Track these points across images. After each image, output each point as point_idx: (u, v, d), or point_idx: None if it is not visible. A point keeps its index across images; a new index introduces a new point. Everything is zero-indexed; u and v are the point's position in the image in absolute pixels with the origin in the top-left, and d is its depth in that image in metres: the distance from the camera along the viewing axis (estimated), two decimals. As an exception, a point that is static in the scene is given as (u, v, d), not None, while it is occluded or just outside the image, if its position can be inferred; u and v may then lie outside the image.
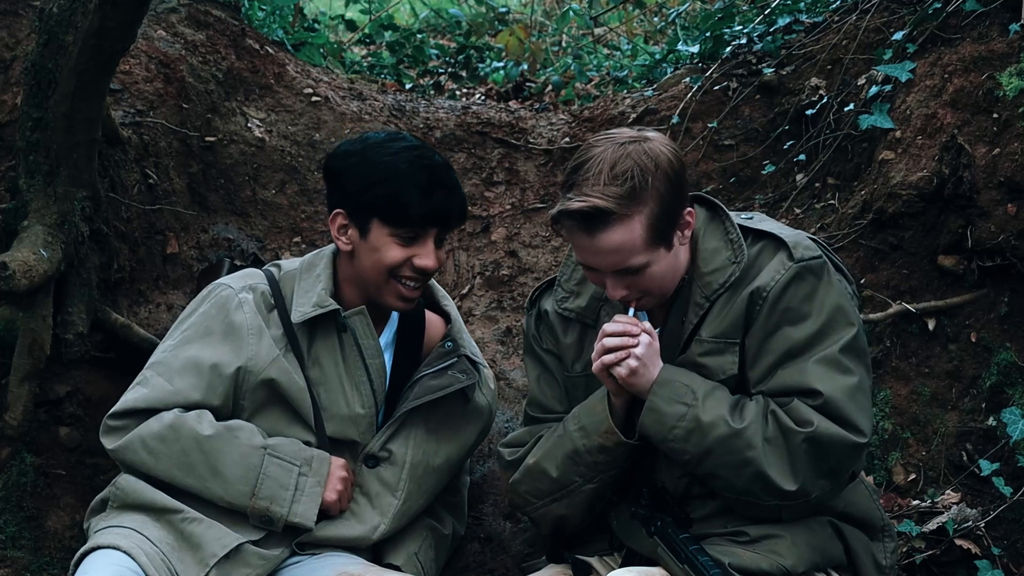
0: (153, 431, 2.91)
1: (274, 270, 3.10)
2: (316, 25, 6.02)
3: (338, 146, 3.07)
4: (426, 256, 2.92)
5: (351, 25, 6.67)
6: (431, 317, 3.18)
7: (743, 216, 2.77)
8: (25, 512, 3.44)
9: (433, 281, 3.22)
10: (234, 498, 2.90)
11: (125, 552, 2.79)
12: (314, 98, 4.53)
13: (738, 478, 2.56)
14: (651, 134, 2.63)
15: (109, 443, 2.95)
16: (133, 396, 2.96)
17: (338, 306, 2.97)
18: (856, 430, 2.55)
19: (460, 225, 3.12)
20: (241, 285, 3.02)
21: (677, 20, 6.12)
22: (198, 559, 2.84)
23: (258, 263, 4.08)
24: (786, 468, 2.53)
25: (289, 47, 5.09)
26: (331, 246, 3.07)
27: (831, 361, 2.57)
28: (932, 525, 3.26)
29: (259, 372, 2.94)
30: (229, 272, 3.31)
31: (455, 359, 3.07)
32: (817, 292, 2.60)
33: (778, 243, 2.65)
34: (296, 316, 2.97)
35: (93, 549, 2.83)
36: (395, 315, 3.11)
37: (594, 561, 2.87)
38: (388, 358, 3.09)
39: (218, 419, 2.94)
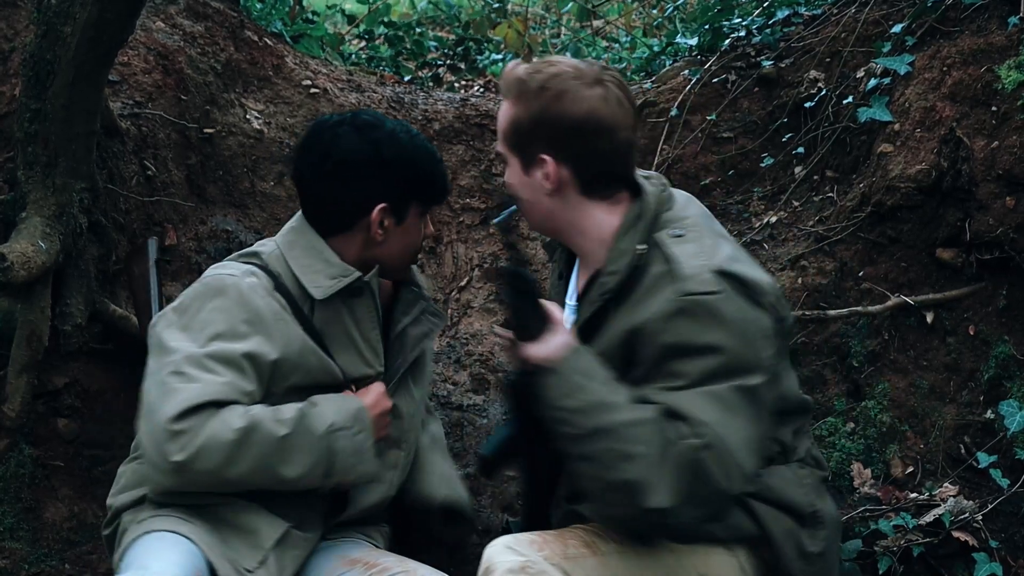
0: (228, 438, 2.70)
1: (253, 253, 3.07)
2: (315, 17, 6.02)
3: (341, 145, 2.93)
4: (429, 223, 3.02)
5: (350, 18, 6.67)
6: None
7: (674, 232, 2.57)
8: (23, 503, 3.45)
9: None
10: (307, 485, 2.84)
11: (184, 536, 2.72)
12: (312, 90, 4.52)
13: (609, 472, 2.39)
14: (612, 87, 2.56)
15: (178, 454, 2.66)
16: (186, 395, 2.70)
17: (359, 272, 2.95)
18: (732, 478, 2.39)
19: None
20: (240, 271, 2.93)
21: (676, 13, 6.12)
22: (253, 544, 2.79)
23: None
24: (666, 482, 2.36)
25: (288, 39, 5.08)
26: (293, 228, 3.02)
27: (720, 398, 2.39)
28: (929, 517, 3.27)
29: (293, 358, 2.86)
30: (155, 253, 3.25)
31: (423, 302, 3.11)
32: (707, 330, 2.40)
33: (674, 273, 2.46)
34: (320, 292, 2.91)
35: (146, 533, 2.75)
36: None
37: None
38: None
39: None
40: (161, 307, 3.12)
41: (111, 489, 2.97)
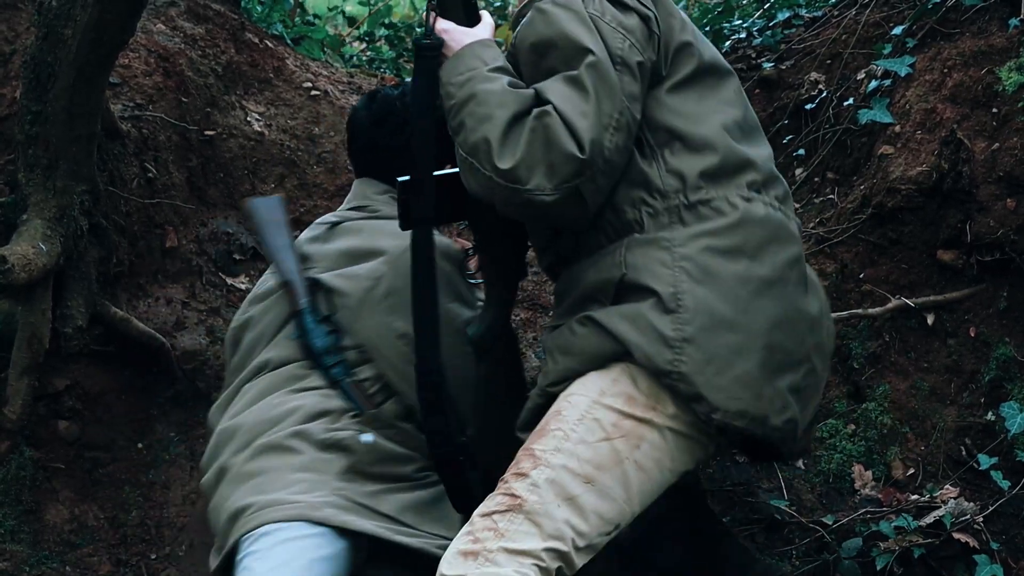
0: None
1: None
2: (315, 19, 6.02)
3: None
4: None
5: (350, 20, 6.68)
6: None
7: None
8: (24, 506, 3.45)
9: None
10: None
11: (335, 532, 2.72)
12: (313, 92, 4.53)
13: (470, 135, 2.49)
14: None
15: None
16: None
17: None
18: (578, 143, 2.39)
19: None
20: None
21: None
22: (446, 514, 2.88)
23: (257, 257, 4.09)
24: (511, 145, 2.43)
25: (288, 41, 5.08)
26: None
27: (570, 78, 2.46)
28: (929, 519, 3.26)
29: None
30: (281, 207, 3.29)
31: None
32: (557, 22, 2.51)
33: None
34: None
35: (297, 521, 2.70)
36: None
37: None
38: None
39: None
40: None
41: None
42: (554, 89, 2.45)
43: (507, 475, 2.44)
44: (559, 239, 2.64)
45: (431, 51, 2.62)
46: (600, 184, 2.44)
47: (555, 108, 2.41)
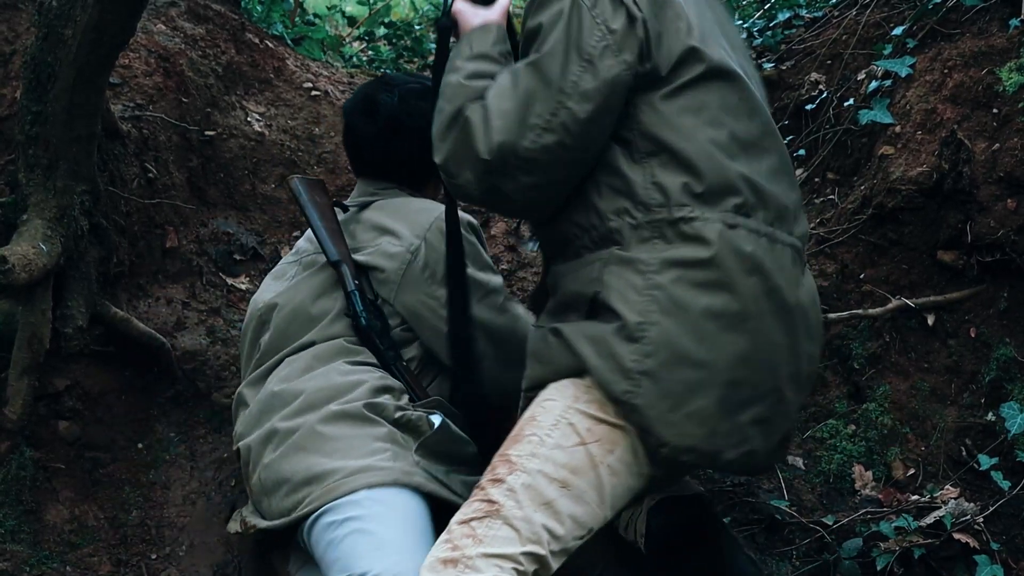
0: None
1: None
2: (315, 19, 6.02)
3: (427, 116, 3.15)
4: None
5: (351, 20, 6.68)
6: None
7: None
8: (24, 506, 3.44)
9: None
10: None
11: (419, 496, 2.76)
12: (314, 92, 4.52)
13: (434, 125, 2.55)
14: None
15: None
16: (526, 323, 3.10)
17: None
18: (487, 144, 2.40)
19: None
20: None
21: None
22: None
23: (257, 257, 4.09)
24: (446, 140, 2.48)
25: (288, 41, 5.08)
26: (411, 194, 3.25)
27: (514, 70, 2.46)
28: (930, 519, 3.26)
29: None
30: (323, 188, 3.32)
31: None
32: (541, 13, 2.48)
33: None
34: None
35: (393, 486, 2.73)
36: None
37: None
38: None
39: None
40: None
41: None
42: (497, 83, 2.46)
43: (483, 481, 2.43)
44: (541, 226, 2.65)
45: (444, 32, 2.68)
46: (524, 182, 2.42)
47: (485, 104, 2.43)
